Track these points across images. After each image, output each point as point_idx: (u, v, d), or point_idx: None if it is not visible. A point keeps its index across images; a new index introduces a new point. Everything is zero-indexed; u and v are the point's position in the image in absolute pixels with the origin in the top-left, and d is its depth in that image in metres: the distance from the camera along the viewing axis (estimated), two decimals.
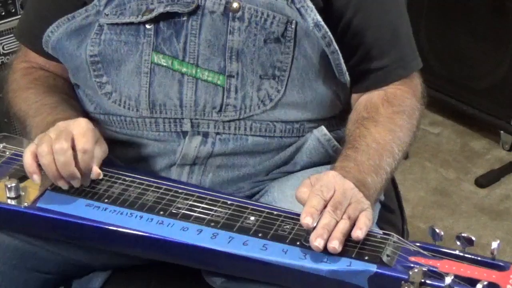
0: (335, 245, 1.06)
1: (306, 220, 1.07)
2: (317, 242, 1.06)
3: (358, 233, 1.08)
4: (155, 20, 1.27)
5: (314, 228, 1.07)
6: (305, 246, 1.09)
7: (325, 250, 1.06)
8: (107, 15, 1.29)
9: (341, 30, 1.27)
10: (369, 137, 1.24)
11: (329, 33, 1.25)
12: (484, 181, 2.60)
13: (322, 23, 1.25)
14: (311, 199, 1.09)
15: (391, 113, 1.28)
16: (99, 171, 1.20)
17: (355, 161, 1.21)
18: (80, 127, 1.20)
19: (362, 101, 1.32)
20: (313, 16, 1.25)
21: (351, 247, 1.07)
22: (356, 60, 1.30)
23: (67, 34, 1.32)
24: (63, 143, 1.17)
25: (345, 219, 1.09)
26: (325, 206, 1.09)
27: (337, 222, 1.08)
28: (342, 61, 1.28)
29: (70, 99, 1.37)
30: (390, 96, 1.30)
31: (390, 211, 1.48)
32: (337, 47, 1.26)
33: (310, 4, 1.25)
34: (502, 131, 2.73)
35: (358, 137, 1.25)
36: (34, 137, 1.30)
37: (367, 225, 1.09)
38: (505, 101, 2.64)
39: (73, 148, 1.18)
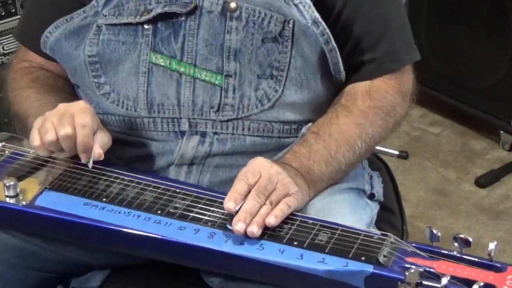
0: (253, 229, 1.09)
1: (229, 205, 1.11)
2: (238, 226, 1.10)
3: (271, 220, 1.11)
4: (153, 20, 1.27)
5: (237, 212, 1.10)
6: (230, 230, 1.11)
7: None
8: (105, 15, 1.29)
9: (331, 22, 1.27)
10: (334, 126, 1.26)
11: (327, 30, 1.25)
12: (484, 181, 2.59)
13: (320, 19, 1.25)
14: (236, 184, 1.13)
15: (367, 107, 1.28)
16: (100, 151, 1.21)
17: (310, 148, 1.24)
18: (79, 106, 1.22)
19: (346, 89, 1.32)
20: (311, 12, 1.25)
21: (348, 247, 1.08)
22: (346, 52, 1.29)
23: (65, 35, 1.33)
24: (68, 129, 1.18)
25: (268, 204, 1.12)
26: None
27: (261, 207, 1.11)
28: (340, 59, 1.28)
29: (71, 98, 1.37)
30: (373, 89, 1.30)
31: (390, 211, 1.48)
32: (335, 45, 1.26)
33: (308, 1, 1.25)
34: (502, 131, 2.73)
35: (325, 123, 1.27)
36: None
37: (284, 212, 1.12)
38: (505, 101, 2.64)
39: None
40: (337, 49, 1.27)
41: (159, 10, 1.26)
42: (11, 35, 2.13)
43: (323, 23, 1.25)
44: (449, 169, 2.67)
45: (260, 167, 1.15)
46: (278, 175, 1.15)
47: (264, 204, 1.12)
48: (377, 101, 1.29)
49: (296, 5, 1.25)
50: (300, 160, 1.23)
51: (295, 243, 1.09)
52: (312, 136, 1.26)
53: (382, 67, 1.31)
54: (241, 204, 1.11)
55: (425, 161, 2.70)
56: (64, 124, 1.19)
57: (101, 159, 1.22)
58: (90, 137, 1.20)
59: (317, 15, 1.25)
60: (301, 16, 1.25)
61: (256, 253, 1.09)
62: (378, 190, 1.41)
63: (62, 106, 1.23)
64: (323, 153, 1.24)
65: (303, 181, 1.20)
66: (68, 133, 1.18)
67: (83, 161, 1.23)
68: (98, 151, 1.21)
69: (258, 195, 1.12)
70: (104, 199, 1.20)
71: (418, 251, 1.06)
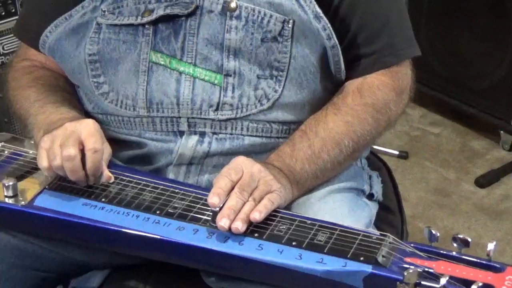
0: (238, 225, 1.10)
1: (213, 200, 1.12)
2: (222, 222, 1.11)
3: (255, 215, 1.12)
4: (154, 21, 1.27)
5: (221, 209, 1.11)
6: (213, 227, 1.12)
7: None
8: (104, 11, 1.29)
9: (330, 17, 1.26)
10: (322, 125, 1.26)
11: (329, 25, 1.25)
12: (484, 181, 2.59)
13: (322, 14, 1.25)
14: (219, 181, 1.14)
15: (357, 104, 1.28)
16: (110, 174, 1.22)
17: (293, 146, 1.25)
18: (88, 128, 1.21)
19: (342, 86, 1.32)
20: (313, 7, 1.25)
21: (347, 247, 1.08)
22: (345, 46, 1.29)
23: (65, 34, 1.33)
24: (71, 150, 1.18)
25: (251, 201, 1.13)
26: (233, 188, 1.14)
27: (244, 204, 1.13)
28: (341, 57, 1.28)
29: (72, 98, 1.37)
30: (364, 86, 1.29)
31: (390, 211, 1.48)
32: (337, 42, 1.26)
33: None
34: (502, 131, 2.73)
35: (313, 122, 1.27)
36: (35, 135, 1.30)
37: (268, 208, 1.14)
38: (505, 101, 2.64)
39: (81, 150, 1.19)
40: (339, 46, 1.27)
41: (160, 12, 1.26)
42: (11, 35, 2.13)
43: (324, 18, 1.25)
44: (449, 169, 2.67)
45: (242, 165, 1.17)
46: (260, 173, 1.16)
47: (247, 201, 1.13)
48: (368, 98, 1.29)
49: (297, 0, 1.25)
50: (283, 159, 1.23)
51: (294, 243, 1.10)
52: (299, 134, 1.27)
53: (380, 60, 1.30)
54: (224, 200, 1.12)
55: (425, 161, 2.70)
56: (68, 145, 1.18)
57: (111, 181, 1.22)
58: (101, 162, 1.20)
59: (319, 10, 1.25)
60: (302, 11, 1.25)
61: (255, 253, 1.09)
62: (377, 190, 1.41)
63: (69, 126, 1.22)
64: (306, 152, 1.24)
65: (286, 180, 1.21)
66: (70, 154, 1.17)
67: (90, 183, 1.22)
68: (108, 176, 1.22)
69: (241, 192, 1.13)
70: (103, 199, 1.20)
71: (417, 251, 1.06)
